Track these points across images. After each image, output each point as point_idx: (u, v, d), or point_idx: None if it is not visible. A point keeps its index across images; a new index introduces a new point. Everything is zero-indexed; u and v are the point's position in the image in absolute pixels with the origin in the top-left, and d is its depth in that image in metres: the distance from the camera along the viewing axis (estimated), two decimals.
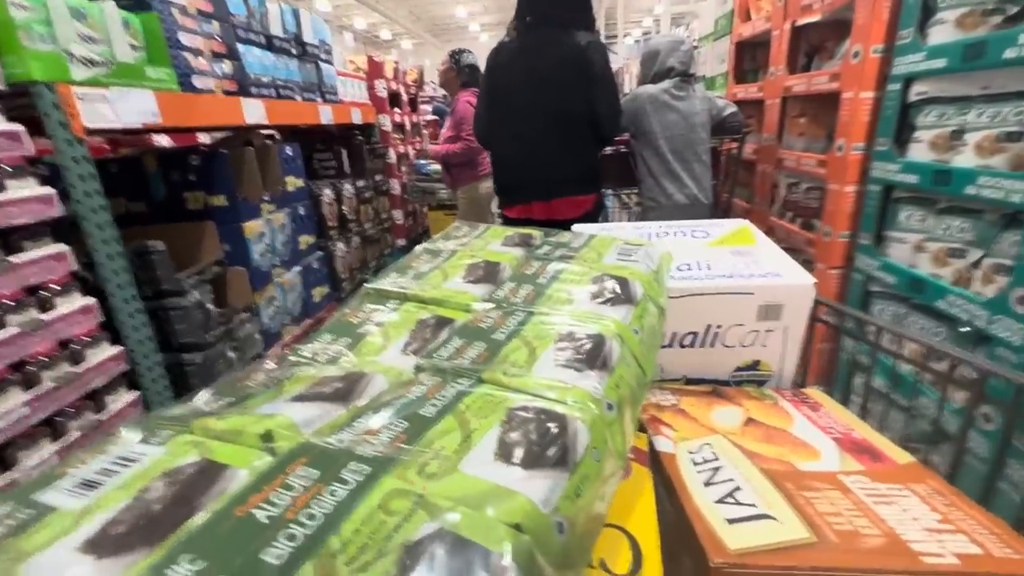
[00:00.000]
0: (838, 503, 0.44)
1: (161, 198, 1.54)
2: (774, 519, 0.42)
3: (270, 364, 0.43)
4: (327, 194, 2.12)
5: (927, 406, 1.14)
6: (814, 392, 0.67)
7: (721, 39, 2.65)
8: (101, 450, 0.31)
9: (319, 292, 2.05)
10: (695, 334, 0.69)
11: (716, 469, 0.49)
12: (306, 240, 1.96)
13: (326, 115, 2.12)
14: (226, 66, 1.53)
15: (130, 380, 1.19)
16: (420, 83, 4.69)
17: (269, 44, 1.80)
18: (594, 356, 0.38)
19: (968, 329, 1.05)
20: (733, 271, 0.69)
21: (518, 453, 0.27)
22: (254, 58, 1.67)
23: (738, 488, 0.46)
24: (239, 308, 1.54)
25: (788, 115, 1.93)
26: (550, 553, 0.24)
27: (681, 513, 0.44)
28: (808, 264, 1.68)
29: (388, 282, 0.54)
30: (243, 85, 1.60)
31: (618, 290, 0.48)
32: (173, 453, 0.29)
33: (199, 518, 0.23)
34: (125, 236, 1.16)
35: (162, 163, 1.52)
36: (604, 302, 0.47)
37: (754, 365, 0.70)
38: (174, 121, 1.26)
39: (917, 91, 1.24)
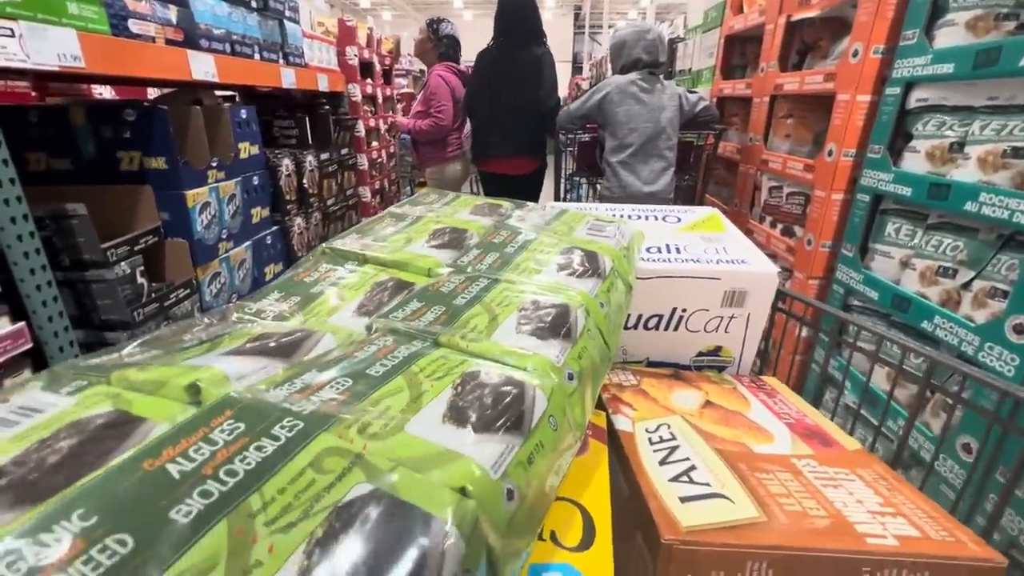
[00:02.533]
0: (788, 485, 0.45)
1: (90, 156, 1.36)
2: (726, 498, 0.42)
3: (209, 319, 0.40)
4: (286, 164, 1.96)
5: (895, 421, 1.08)
6: (771, 380, 0.68)
7: (710, 32, 2.52)
8: (2, 399, 0.28)
9: (272, 270, 1.91)
10: (660, 317, 0.68)
11: (672, 448, 0.49)
12: (259, 213, 1.82)
13: (288, 78, 1.96)
14: (171, 12, 1.35)
15: (38, 360, 1.02)
16: (396, 54, 4.46)
17: None
18: (558, 325, 0.37)
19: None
20: (701, 256, 0.69)
21: (470, 416, 0.26)
22: (205, 6, 1.49)
23: (693, 467, 0.46)
24: (177, 284, 1.39)
25: (776, 115, 1.82)
26: (497, 520, 0.22)
27: (635, 490, 0.44)
28: (786, 272, 1.64)
29: (347, 242, 0.51)
30: (191, 36, 1.42)
31: (587, 263, 0.47)
32: (83, 404, 0.26)
33: (100, 471, 0.20)
34: (46, 196, 1.03)
35: (91, 116, 1.35)
36: (571, 274, 0.45)
37: (716, 351, 0.71)
38: (102, 68, 1.09)
39: (918, 97, 1.15)
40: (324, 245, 0.51)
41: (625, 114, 1.97)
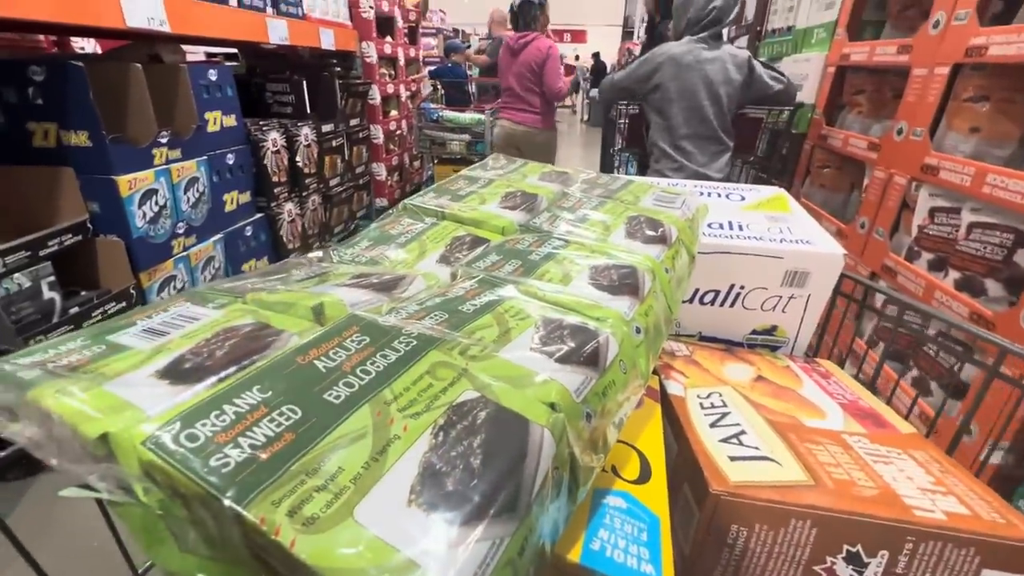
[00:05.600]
0: (838, 457, 0.46)
1: (1, 128, 1.04)
2: (775, 461, 0.44)
3: (312, 257, 0.45)
4: (273, 139, 1.58)
5: None
6: (825, 362, 0.68)
7: None
8: (160, 309, 0.33)
9: (252, 267, 1.57)
10: (717, 292, 0.69)
11: (723, 414, 0.51)
12: (236, 199, 1.46)
13: (278, 32, 1.51)
14: None
15: None
16: (424, 8, 3.79)
17: None
18: (626, 283, 0.39)
19: None
20: (764, 234, 0.68)
21: (553, 349, 0.29)
22: None
23: (743, 432, 0.48)
24: (110, 295, 1.05)
25: (958, 96, 1.15)
26: (579, 435, 0.25)
27: (686, 448, 0.46)
28: (965, 349, 0.89)
29: (426, 200, 0.55)
30: None
31: (653, 230, 0.49)
32: (230, 316, 0.31)
33: (263, 362, 0.25)
34: None
35: None
36: (638, 239, 0.47)
37: (771, 330, 0.71)
38: None
39: None
40: (405, 201, 0.56)
41: (676, 89, 1.69)
